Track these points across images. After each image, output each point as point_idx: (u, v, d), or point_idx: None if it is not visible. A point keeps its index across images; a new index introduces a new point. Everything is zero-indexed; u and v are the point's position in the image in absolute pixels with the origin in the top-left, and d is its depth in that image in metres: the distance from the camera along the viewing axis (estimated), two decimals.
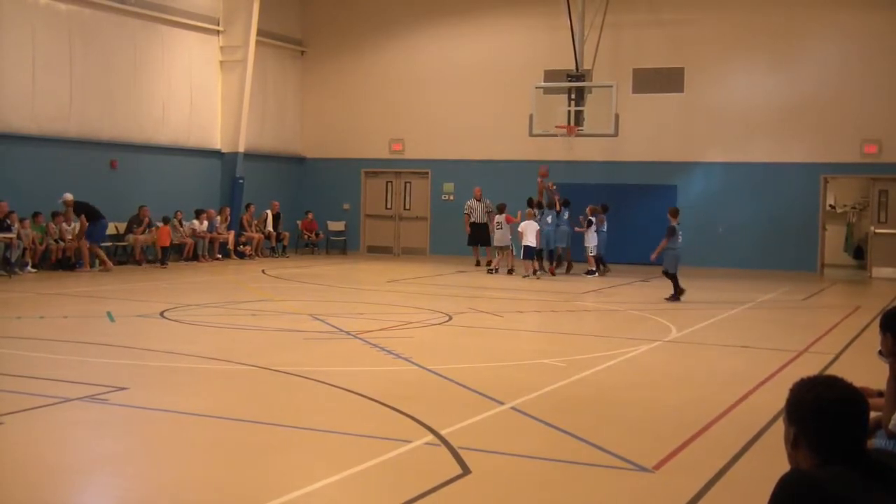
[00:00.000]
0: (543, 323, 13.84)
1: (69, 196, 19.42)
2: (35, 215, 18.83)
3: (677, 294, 16.17)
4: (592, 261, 20.66)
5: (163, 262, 20.94)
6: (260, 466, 6.04)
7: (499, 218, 20.82)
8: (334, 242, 26.78)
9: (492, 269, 21.10)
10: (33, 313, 13.03)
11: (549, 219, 20.59)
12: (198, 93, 23.81)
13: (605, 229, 20.98)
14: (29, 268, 18.37)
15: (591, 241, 20.65)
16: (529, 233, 19.63)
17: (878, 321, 5.30)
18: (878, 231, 22.87)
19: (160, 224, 21.12)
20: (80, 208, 19.47)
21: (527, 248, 19.79)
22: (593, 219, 20.80)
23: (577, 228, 20.97)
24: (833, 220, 25.64)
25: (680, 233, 16.60)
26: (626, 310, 15.23)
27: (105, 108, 21.22)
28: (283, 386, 8.63)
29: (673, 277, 16.28)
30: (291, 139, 27.29)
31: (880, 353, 5.03)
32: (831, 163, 22.71)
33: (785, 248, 22.78)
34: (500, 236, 20.84)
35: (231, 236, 23.48)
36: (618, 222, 22.49)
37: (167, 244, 21.12)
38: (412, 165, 26.42)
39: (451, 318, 13.38)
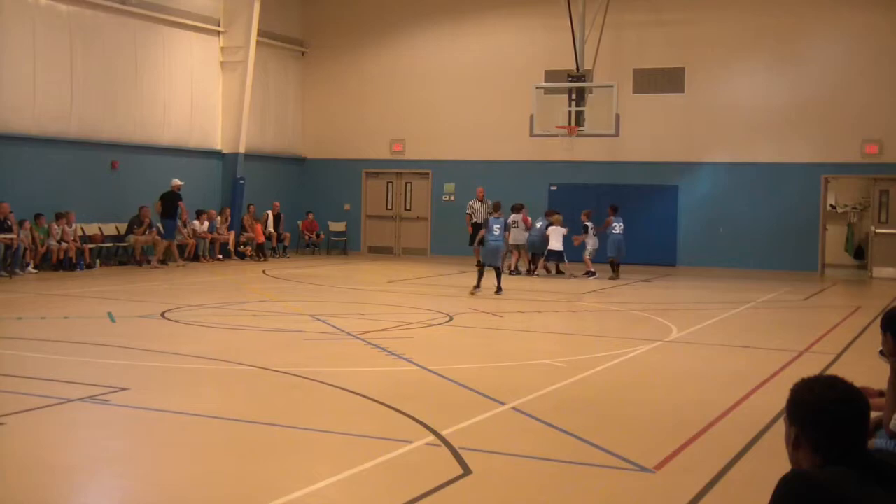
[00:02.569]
0: (544, 323, 13.83)
1: (178, 181, 21.55)
2: (37, 216, 18.85)
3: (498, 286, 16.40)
4: (589, 262, 20.60)
5: (264, 257, 23.62)
6: (261, 467, 6.04)
7: (515, 217, 20.47)
8: (335, 243, 26.78)
9: (514, 271, 20.77)
10: (34, 314, 13.03)
11: (538, 224, 20.75)
12: (199, 93, 23.82)
13: (617, 230, 20.49)
14: (30, 268, 18.40)
15: (590, 244, 20.63)
16: (555, 237, 20.23)
17: (878, 321, 5.30)
18: (878, 231, 22.86)
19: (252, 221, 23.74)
20: (164, 198, 21.29)
21: (551, 251, 20.33)
22: (589, 224, 20.80)
23: (574, 237, 20.77)
24: (834, 220, 25.64)
25: (496, 226, 16.49)
26: (627, 310, 15.23)
27: (106, 109, 21.23)
28: (284, 386, 8.63)
29: (479, 268, 16.57)
30: (292, 140, 27.30)
31: (881, 353, 5.03)
32: (832, 163, 22.70)
33: (786, 249, 22.77)
34: (517, 235, 20.55)
35: (232, 237, 23.49)
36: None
37: (262, 241, 23.64)
38: (413, 166, 26.42)
39: (451, 319, 13.38)
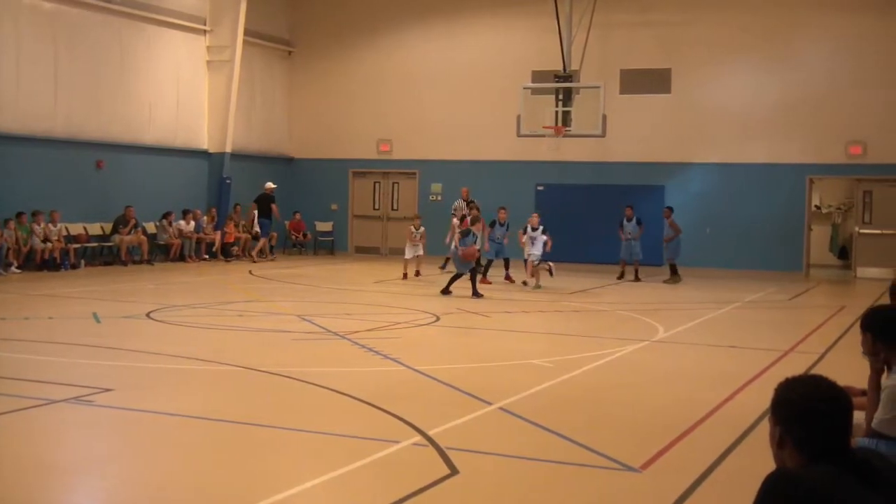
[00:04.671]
0: (531, 323, 13.85)
1: (271, 184, 24.10)
2: (19, 215, 18.73)
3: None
4: (532, 269, 18.22)
5: (230, 257, 23.29)
6: (247, 467, 6.03)
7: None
8: (322, 243, 26.73)
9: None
10: (18, 314, 12.95)
11: (498, 233, 19.34)
12: (184, 93, 23.73)
13: (668, 233, 20.36)
14: (14, 268, 18.28)
15: (536, 249, 18.12)
16: (532, 242, 18.68)
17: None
18: (862, 231, 23.00)
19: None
20: (259, 200, 23.90)
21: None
22: (530, 227, 18.35)
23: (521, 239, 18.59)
24: (818, 220, 25.78)
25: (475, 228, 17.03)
26: (614, 310, 15.27)
27: (91, 108, 21.12)
28: (271, 387, 8.61)
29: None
30: (279, 139, 27.24)
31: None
32: (817, 164, 22.83)
33: (771, 249, 22.87)
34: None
35: (218, 237, 23.41)
36: (606, 223, 22.46)
37: (231, 240, 23.51)
38: (400, 166, 26.41)
39: (438, 319, 13.38)
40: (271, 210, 24.03)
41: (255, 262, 23.00)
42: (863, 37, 22.37)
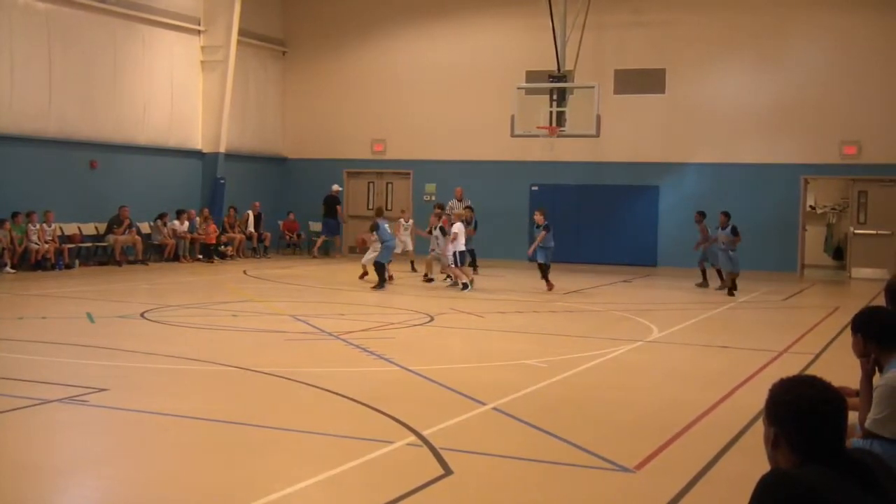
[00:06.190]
0: (525, 323, 13.84)
1: (337, 187, 25.28)
2: (14, 215, 18.69)
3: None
4: (456, 272, 17.40)
5: (210, 257, 22.95)
6: (241, 467, 6.02)
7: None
8: (316, 243, 26.68)
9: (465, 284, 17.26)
10: (12, 314, 12.91)
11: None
12: (178, 93, 23.68)
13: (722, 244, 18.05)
14: (7, 268, 18.23)
15: (449, 249, 17.21)
16: (462, 235, 17.40)
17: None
18: (857, 232, 23.04)
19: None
20: (326, 202, 24.96)
21: (460, 253, 17.34)
22: (450, 227, 17.33)
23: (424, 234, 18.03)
24: (813, 220, 25.83)
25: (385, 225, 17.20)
26: (608, 310, 15.28)
27: (85, 108, 21.08)
28: (265, 387, 8.60)
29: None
30: (273, 139, 27.21)
31: None
32: (812, 164, 22.87)
33: (766, 249, 22.88)
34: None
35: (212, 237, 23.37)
36: (599, 223, 22.50)
37: (213, 241, 23.07)
38: (394, 166, 26.39)
39: (432, 319, 13.37)
40: (336, 211, 25.08)
41: (315, 257, 24.65)
42: (857, 36, 22.42)
